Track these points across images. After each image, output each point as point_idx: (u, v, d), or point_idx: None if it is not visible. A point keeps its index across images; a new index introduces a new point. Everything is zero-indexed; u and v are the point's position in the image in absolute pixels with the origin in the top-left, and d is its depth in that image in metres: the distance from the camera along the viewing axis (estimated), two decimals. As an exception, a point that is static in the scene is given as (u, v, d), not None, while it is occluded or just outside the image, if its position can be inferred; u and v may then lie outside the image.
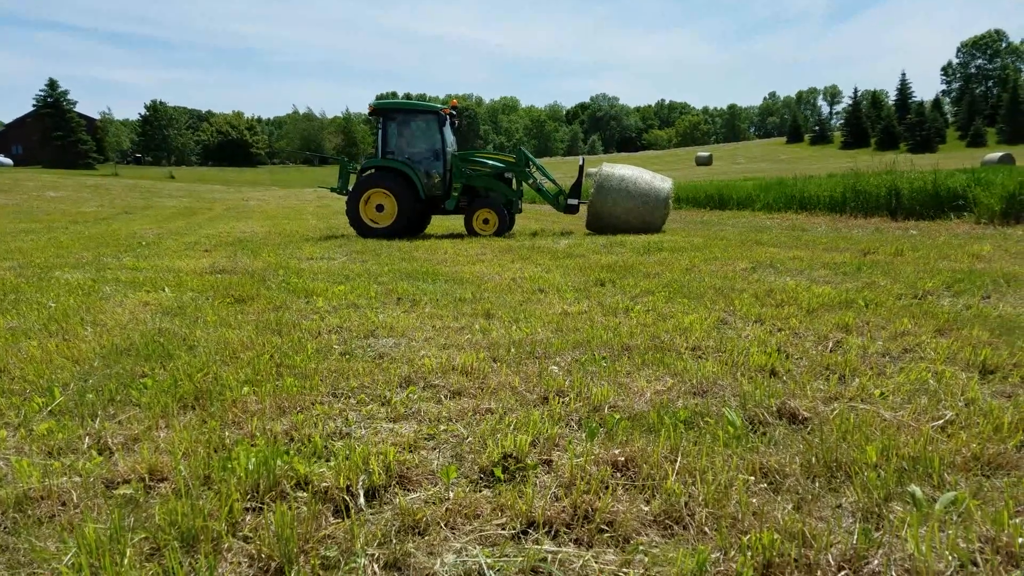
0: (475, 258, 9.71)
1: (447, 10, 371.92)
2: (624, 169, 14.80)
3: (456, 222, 16.65)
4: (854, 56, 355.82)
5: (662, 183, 14.62)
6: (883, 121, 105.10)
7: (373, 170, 14.52)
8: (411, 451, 2.73)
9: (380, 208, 14.21)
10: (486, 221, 14.33)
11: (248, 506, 2.28)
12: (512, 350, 4.24)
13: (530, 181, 14.86)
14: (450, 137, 14.98)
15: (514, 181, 14.89)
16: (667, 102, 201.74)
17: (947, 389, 3.35)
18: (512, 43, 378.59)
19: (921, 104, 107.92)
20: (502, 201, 14.60)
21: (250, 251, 10.89)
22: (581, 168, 15.31)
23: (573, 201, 14.86)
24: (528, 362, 3.99)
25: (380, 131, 14.67)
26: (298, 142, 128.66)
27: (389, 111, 14.66)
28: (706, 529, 2.12)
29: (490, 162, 14.81)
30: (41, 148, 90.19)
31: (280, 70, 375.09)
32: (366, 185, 14.23)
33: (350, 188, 14.66)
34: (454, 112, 15.09)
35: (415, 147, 14.71)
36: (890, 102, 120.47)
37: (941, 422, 2.92)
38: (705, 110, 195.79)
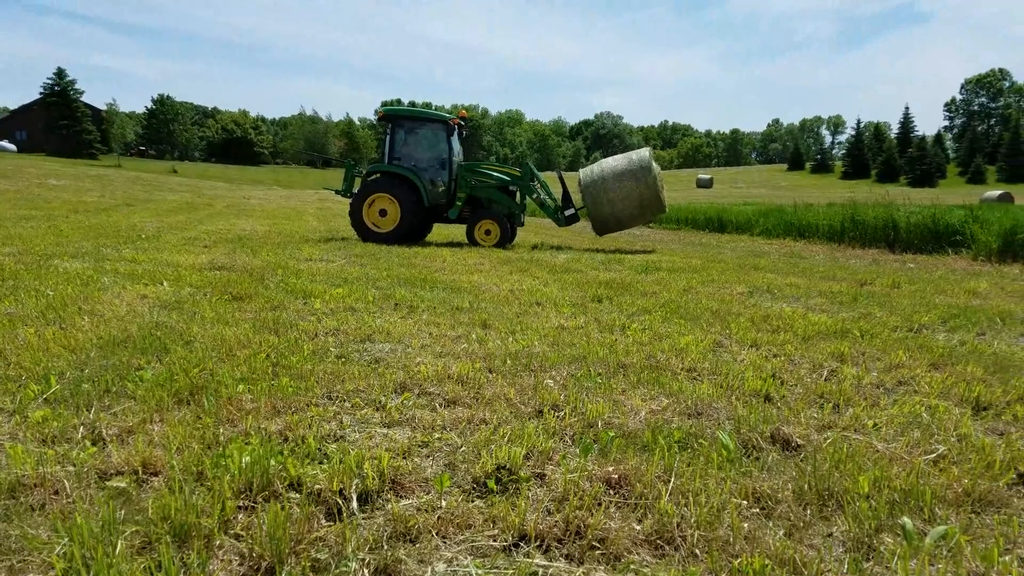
0: (473, 268, 9.72)
1: (454, 18, 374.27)
2: (598, 163, 15.48)
3: (456, 231, 16.68)
4: (859, 84, 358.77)
5: (636, 152, 15.29)
6: (884, 153, 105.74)
7: (379, 175, 14.57)
8: (405, 458, 2.73)
9: (383, 213, 14.24)
10: (488, 232, 14.37)
11: (241, 504, 2.28)
12: (508, 361, 4.24)
13: (535, 195, 14.98)
14: (457, 147, 15.07)
15: (518, 194, 14.98)
16: (671, 123, 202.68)
17: (940, 423, 3.36)
18: (518, 54, 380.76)
19: (923, 138, 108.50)
20: (505, 213, 14.67)
21: (249, 249, 10.89)
22: (560, 178, 15.87)
23: (569, 211, 15.15)
24: (524, 374, 4.00)
25: (388, 137, 14.74)
26: (302, 143, 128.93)
27: (398, 117, 14.78)
28: (697, 551, 2.13)
29: (495, 174, 14.89)
30: (45, 136, 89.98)
31: (285, 68, 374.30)
32: (371, 189, 14.27)
33: (354, 191, 14.72)
34: (462, 122, 15.17)
35: (421, 155, 14.77)
36: (892, 135, 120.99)
37: (933, 456, 2.94)
38: (708, 133, 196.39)
